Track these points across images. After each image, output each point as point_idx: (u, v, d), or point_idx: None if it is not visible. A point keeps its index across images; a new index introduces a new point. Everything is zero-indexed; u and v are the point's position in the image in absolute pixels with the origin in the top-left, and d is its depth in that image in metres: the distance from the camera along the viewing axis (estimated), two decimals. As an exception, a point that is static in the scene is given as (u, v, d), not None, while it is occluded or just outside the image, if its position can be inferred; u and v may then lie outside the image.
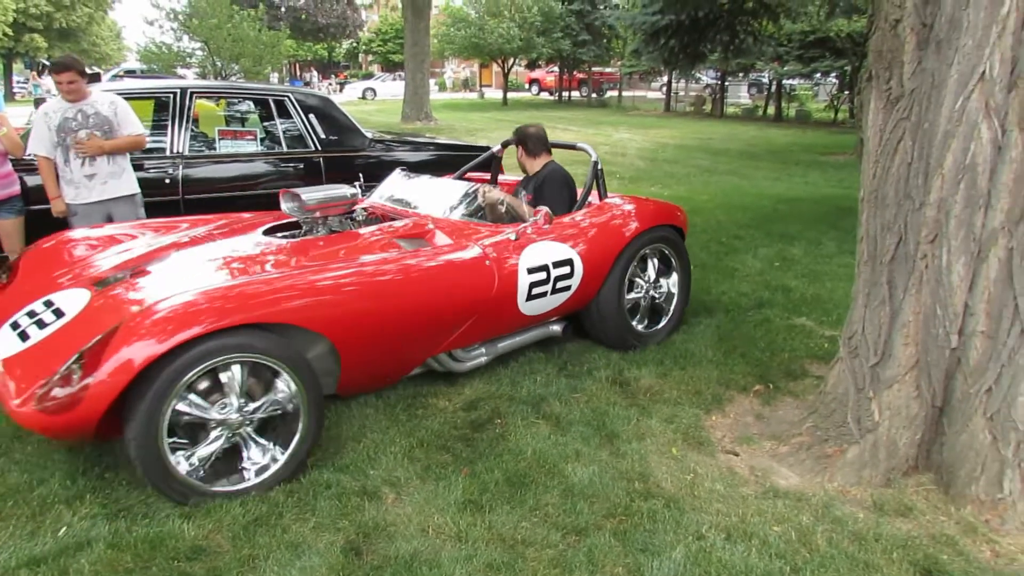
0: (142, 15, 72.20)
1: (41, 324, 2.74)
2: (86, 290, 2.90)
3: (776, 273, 5.64)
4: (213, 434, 2.57)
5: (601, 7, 31.00)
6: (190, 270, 3.01)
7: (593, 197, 4.15)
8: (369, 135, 6.06)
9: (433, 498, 2.63)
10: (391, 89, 35.21)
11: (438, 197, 3.81)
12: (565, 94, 34.47)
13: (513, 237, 3.47)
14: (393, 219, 3.68)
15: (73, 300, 2.83)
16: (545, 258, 3.52)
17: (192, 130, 5.21)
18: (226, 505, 2.51)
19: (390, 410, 3.32)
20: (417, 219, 3.57)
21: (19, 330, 2.77)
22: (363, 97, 35.22)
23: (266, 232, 3.61)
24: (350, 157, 5.82)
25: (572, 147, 4.31)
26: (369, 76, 43.42)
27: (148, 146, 4.79)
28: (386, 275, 2.95)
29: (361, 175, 4.97)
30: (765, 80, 30.65)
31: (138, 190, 4.48)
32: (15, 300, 3.04)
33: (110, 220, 4.29)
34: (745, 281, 5.39)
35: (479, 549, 2.35)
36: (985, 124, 2.44)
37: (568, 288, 3.65)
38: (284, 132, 5.64)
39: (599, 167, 4.07)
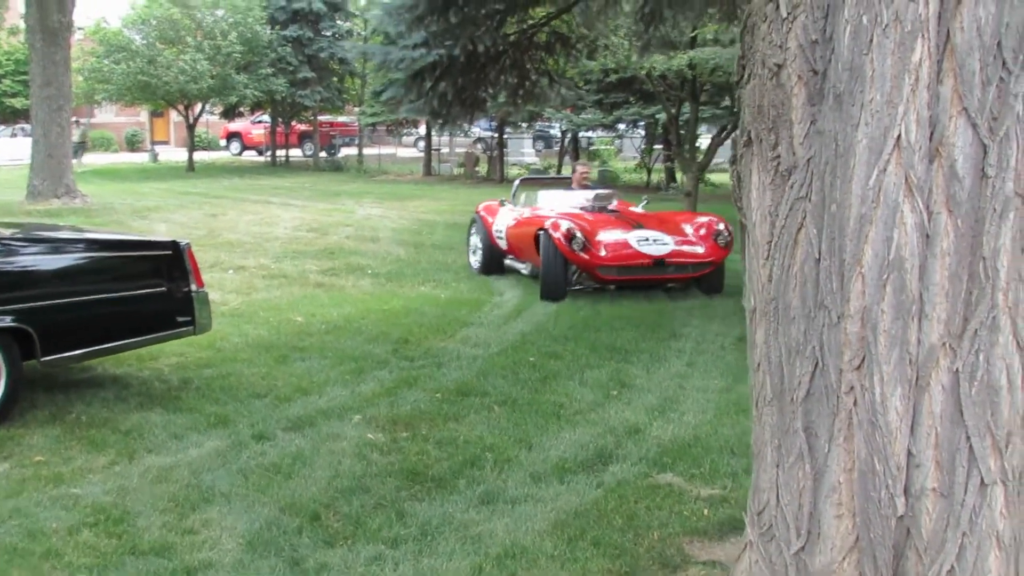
0: None
1: (654, 241, 9.48)
2: (631, 230, 9.71)
3: (617, 407, 5.76)
4: None
5: (327, 34, 31.80)
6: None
7: None
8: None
9: None
10: (9, 150, 33.54)
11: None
12: (281, 153, 34.48)
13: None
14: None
15: (650, 234, 9.62)
16: None
17: None
18: None
19: None
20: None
21: (649, 244, 9.44)
22: (-41, 163, 33.00)
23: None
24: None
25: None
26: (-30, 130, 40.70)
27: None
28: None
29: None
30: (555, 132, 32.97)
31: None
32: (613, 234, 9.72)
33: None
34: (578, 423, 5.42)
35: None
36: (908, 205, 2.58)
37: None
38: None
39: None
